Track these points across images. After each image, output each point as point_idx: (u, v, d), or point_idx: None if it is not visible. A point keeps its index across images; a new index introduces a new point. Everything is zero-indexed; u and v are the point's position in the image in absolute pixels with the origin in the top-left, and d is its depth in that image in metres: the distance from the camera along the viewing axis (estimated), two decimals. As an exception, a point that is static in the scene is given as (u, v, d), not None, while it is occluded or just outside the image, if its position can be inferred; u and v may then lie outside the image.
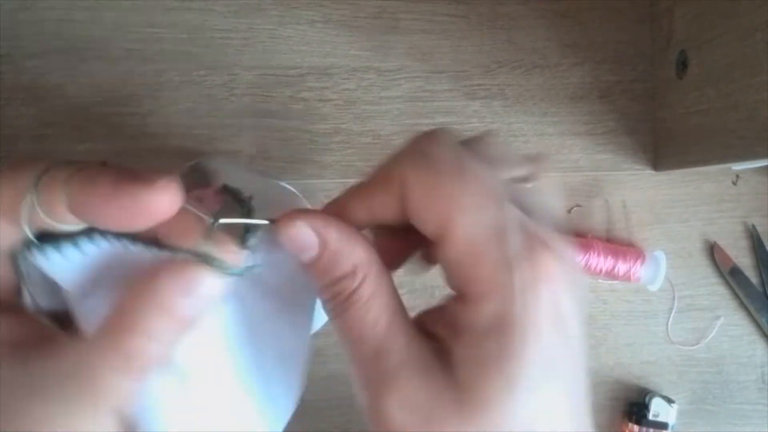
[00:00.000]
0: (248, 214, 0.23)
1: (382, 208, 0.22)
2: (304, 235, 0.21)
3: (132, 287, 0.20)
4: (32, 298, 0.21)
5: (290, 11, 0.44)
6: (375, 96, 0.45)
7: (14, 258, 0.21)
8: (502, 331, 0.19)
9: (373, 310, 0.21)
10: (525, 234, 0.20)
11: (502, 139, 0.25)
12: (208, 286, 0.20)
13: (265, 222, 0.22)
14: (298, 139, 0.44)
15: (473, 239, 0.20)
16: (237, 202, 0.24)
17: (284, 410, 0.26)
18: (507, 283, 0.19)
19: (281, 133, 0.44)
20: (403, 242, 0.24)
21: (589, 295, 0.46)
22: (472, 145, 0.23)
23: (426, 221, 0.21)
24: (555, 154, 0.46)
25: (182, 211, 0.20)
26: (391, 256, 0.24)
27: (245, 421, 0.24)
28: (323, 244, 0.21)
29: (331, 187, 0.44)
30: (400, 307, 0.22)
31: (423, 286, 0.44)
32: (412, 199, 0.21)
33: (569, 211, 0.46)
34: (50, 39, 0.43)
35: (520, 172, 0.24)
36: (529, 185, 0.24)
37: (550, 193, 0.24)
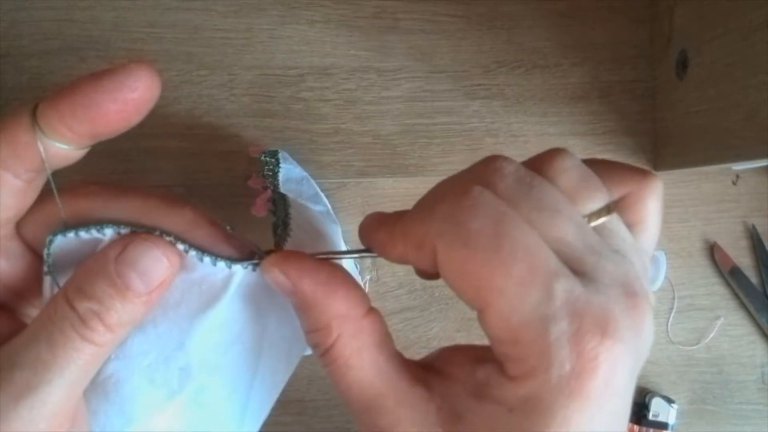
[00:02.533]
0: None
1: (417, 262, 0.20)
2: (280, 281, 0.21)
3: (95, 254, 0.20)
4: (57, 284, 0.21)
5: (290, 11, 0.44)
6: (375, 96, 0.45)
7: (45, 242, 0.21)
8: (525, 415, 0.18)
9: (353, 370, 0.20)
10: (575, 317, 0.17)
11: (574, 160, 0.21)
12: (155, 262, 0.20)
13: (254, 262, 0.22)
14: (298, 139, 0.44)
15: (511, 326, 0.18)
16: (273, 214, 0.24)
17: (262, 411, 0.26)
18: (544, 376, 0.18)
19: (281, 133, 0.44)
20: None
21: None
22: (533, 181, 0.20)
23: (461, 295, 0.19)
24: (555, 154, 0.46)
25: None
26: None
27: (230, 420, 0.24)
28: (296, 294, 0.21)
29: (331, 187, 0.44)
30: (387, 359, 0.21)
31: (423, 286, 0.44)
32: (445, 272, 0.19)
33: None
34: (50, 39, 0.43)
35: (600, 201, 0.20)
36: (612, 216, 0.21)
37: (643, 218, 0.22)
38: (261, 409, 0.26)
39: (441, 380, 0.21)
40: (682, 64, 0.42)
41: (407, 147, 0.45)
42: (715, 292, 0.47)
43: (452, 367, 0.21)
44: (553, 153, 0.21)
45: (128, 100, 0.19)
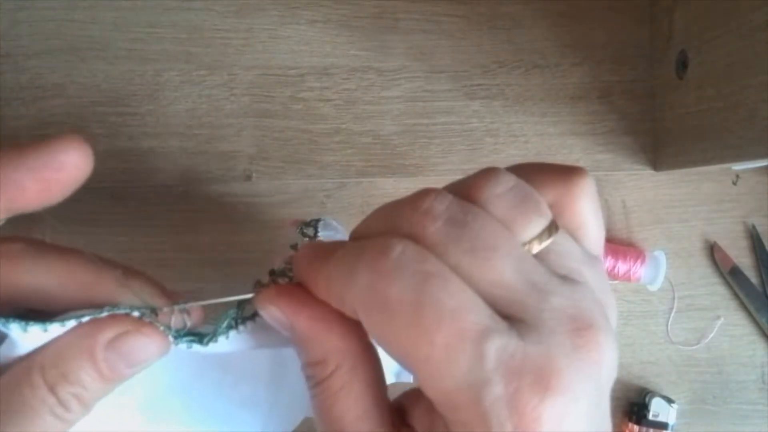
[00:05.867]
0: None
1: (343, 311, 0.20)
2: (276, 317, 0.21)
3: (72, 333, 0.20)
4: None
5: (290, 11, 0.44)
6: (375, 96, 0.45)
7: None
8: None
9: (340, 403, 0.20)
10: (512, 378, 0.16)
11: (507, 181, 0.20)
12: (146, 350, 0.20)
13: (246, 297, 0.21)
14: (298, 139, 0.44)
15: (444, 392, 0.17)
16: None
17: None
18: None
19: (281, 133, 0.44)
20: None
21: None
22: (467, 217, 0.18)
23: (389, 355, 0.18)
24: (555, 154, 0.46)
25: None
26: None
27: None
28: (292, 330, 0.20)
29: (331, 187, 0.44)
30: (375, 400, 0.20)
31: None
32: (369, 333, 0.19)
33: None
34: (50, 39, 0.43)
35: (539, 224, 0.19)
36: (555, 237, 0.19)
37: (581, 222, 0.21)
38: None
39: (415, 418, 0.20)
40: (682, 64, 0.42)
41: (407, 147, 0.45)
42: (715, 292, 0.47)
43: (414, 419, 0.20)
44: (484, 176, 0.20)
45: (53, 179, 0.18)
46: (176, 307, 0.21)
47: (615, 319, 0.20)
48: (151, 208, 0.43)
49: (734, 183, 0.47)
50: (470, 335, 0.17)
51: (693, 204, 0.47)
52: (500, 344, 0.17)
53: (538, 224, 0.19)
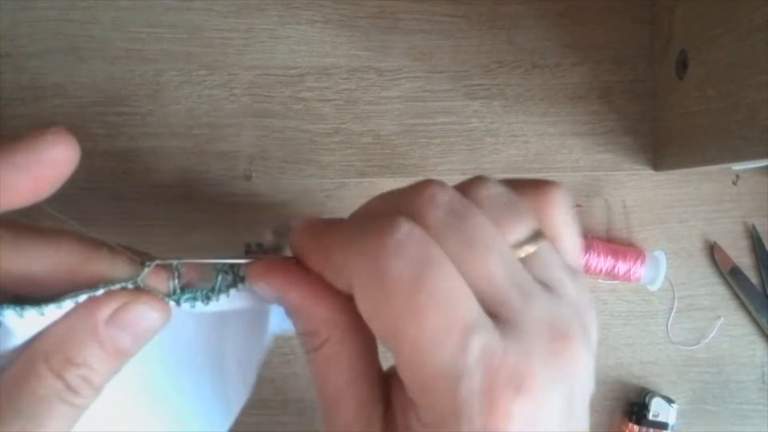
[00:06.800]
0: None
1: (333, 283, 0.20)
2: (268, 292, 0.21)
3: (71, 315, 0.19)
4: None
5: (290, 11, 0.44)
6: (375, 96, 0.45)
7: None
8: None
9: (332, 371, 0.20)
10: (489, 374, 0.17)
11: (498, 187, 0.21)
12: (148, 318, 0.20)
13: (239, 261, 0.22)
14: (298, 139, 0.44)
15: (423, 376, 0.17)
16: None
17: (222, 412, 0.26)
18: (456, 426, 0.17)
19: (281, 133, 0.44)
20: None
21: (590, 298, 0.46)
22: (466, 211, 0.19)
23: (374, 332, 0.19)
24: (555, 154, 0.46)
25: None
26: None
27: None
28: (285, 302, 0.21)
29: (331, 186, 0.44)
30: (365, 369, 0.21)
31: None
32: (359, 306, 0.19)
33: (569, 211, 0.46)
34: (50, 39, 0.43)
35: (526, 229, 0.20)
36: (541, 244, 0.20)
37: (556, 233, 0.21)
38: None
39: (389, 407, 0.21)
40: (682, 64, 0.42)
41: (407, 147, 0.45)
42: (715, 292, 0.47)
43: (393, 396, 0.21)
44: (476, 180, 0.21)
45: (42, 176, 0.18)
46: (171, 261, 0.21)
47: (596, 332, 0.21)
48: (151, 208, 0.43)
49: (734, 183, 0.47)
50: (459, 326, 0.17)
51: (693, 204, 0.47)
52: (485, 339, 0.17)
53: (525, 230, 0.20)
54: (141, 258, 0.21)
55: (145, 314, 0.20)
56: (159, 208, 0.43)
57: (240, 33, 0.44)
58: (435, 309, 0.17)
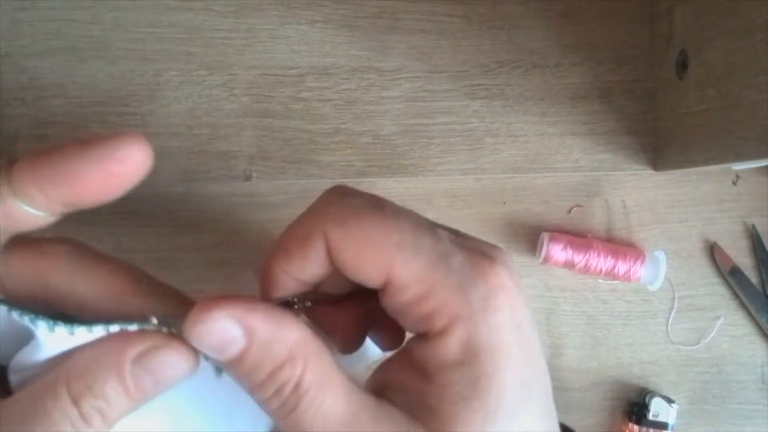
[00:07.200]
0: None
1: (306, 270, 0.20)
2: (223, 329, 0.18)
3: (100, 345, 0.19)
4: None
5: (290, 11, 0.44)
6: (375, 96, 0.45)
7: None
8: (472, 361, 0.18)
9: (329, 397, 0.18)
10: (466, 251, 0.20)
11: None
12: (175, 366, 0.19)
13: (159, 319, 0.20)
14: (298, 139, 0.44)
15: (419, 273, 0.19)
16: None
17: None
18: (465, 308, 0.19)
19: (281, 133, 0.44)
20: (349, 311, 0.23)
21: (589, 295, 0.46)
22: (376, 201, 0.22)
23: (363, 271, 0.19)
24: (555, 154, 0.46)
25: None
26: (342, 331, 0.22)
27: None
28: (250, 335, 0.18)
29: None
30: (350, 381, 0.19)
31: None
32: (342, 252, 0.19)
33: (569, 211, 0.46)
34: (50, 39, 0.43)
35: None
36: None
37: None
38: None
39: (391, 393, 0.20)
40: (682, 64, 0.42)
41: (407, 147, 0.45)
42: (715, 292, 0.47)
43: (390, 378, 0.20)
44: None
45: (115, 172, 0.18)
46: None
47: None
48: (151, 208, 0.43)
49: (734, 183, 0.47)
50: (425, 225, 0.20)
51: (693, 204, 0.47)
52: (444, 230, 0.21)
53: None
54: (190, 303, 0.20)
55: (172, 362, 0.19)
56: (159, 208, 0.43)
57: (240, 33, 0.44)
58: (402, 214, 0.20)
